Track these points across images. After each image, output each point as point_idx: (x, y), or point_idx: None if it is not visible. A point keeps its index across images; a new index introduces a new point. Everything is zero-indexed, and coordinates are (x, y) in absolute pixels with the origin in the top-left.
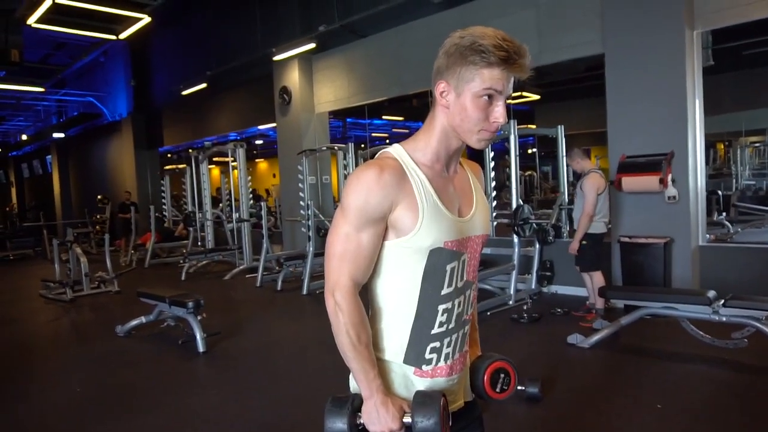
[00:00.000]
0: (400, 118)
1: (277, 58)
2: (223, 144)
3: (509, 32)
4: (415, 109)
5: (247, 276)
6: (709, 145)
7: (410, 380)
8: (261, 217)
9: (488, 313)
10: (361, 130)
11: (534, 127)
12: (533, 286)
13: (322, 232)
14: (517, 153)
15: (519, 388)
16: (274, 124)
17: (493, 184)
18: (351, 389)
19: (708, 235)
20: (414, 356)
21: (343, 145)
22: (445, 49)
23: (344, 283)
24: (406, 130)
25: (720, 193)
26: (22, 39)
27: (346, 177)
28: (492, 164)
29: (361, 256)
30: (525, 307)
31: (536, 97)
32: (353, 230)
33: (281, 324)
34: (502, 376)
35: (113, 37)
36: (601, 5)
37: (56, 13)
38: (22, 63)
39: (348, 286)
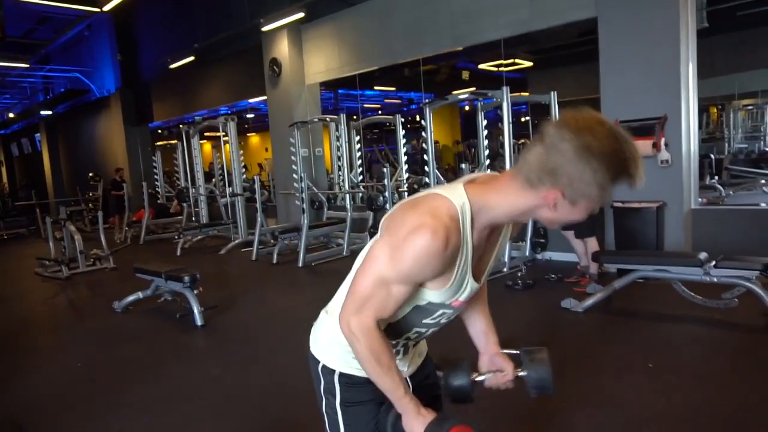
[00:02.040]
0: (392, 89)
1: (265, 28)
2: (213, 118)
3: None
4: (406, 79)
5: (242, 250)
6: (702, 109)
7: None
8: (254, 191)
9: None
10: (352, 101)
11: (527, 94)
12: (527, 253)
13: (316, 205)
14: (510, 121)
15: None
16: (264, 97)
17: (486, 152)
18: (317, 360)
19: (700, 199)
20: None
21: (336, 117)
22: (571, 150)
23: (365, 321)
24: (398, 101)
25: (713, 156)
26: (2, 13)
27: (338, 149)
28: (485, 133)
29: (390, 304)
30: (519, 274)
31: (529, 64)
32: (393, 282)
33: (278, 296)
34: None
35: (97, 9)
36: None
37: None
38: (4, 38)
39: (368, 324)
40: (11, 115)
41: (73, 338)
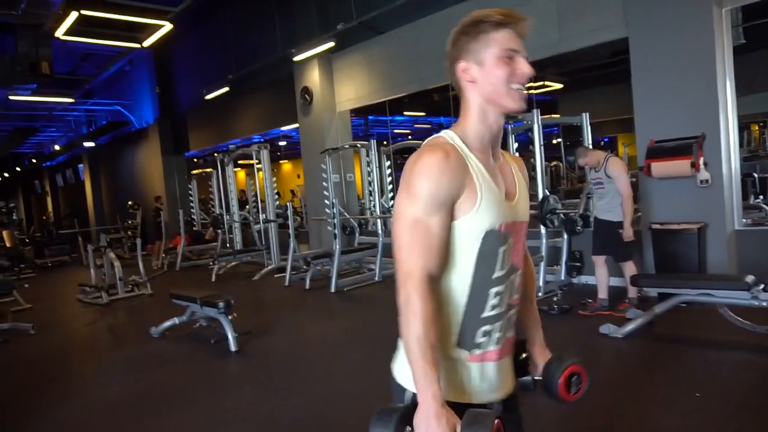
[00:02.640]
0: (422, 114)
1: (296, 58)
2: (247, 146)
3: (529, 20)
4: (435, 104)
5: (275, 276)
6: (743, 127)
7: (464, 365)
8: (287, 217)
9: None
10: (382, 127)
11: (558, 116)
12: (563, 277)
13: (348, 230)
14: (542, 143)
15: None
16: (296, 125)
17: None
18: (402, 388)
19: (744, 219)
20: (466, 340)
21: (366, 143)
22: (450, 41)
23: (417, 274)
24: (428, 126)
25: (756, 175)
26: (51, 51)
27: (369, 174)
28: (517, 155)
29: (433, 244)
30: (555, 299)
31: (559, 86)
32: (423, 216)
33: (311, 322)
34: (575, 377)
35: (137, 45)
36: None
37: (82, 24)
38: (52, 75)
39: (421, 277)
40: (57, 147)
41: (111, 363)
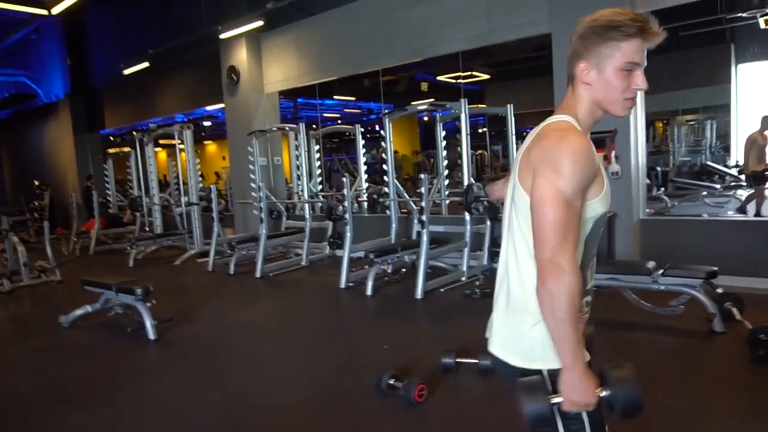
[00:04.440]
0: (352, 98)
1: (223, 36)
2: (169, 126)
3: (458, 11)
4: (366, 89)
5: (198, 260)
6: (649, 124)
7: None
8: (211, 200)
9: (442, 290)
10: (312, 110)
11: (484, 106)
12: (485, 263)
13: (274, 214)
14: (468, 132)
15: (474, 361)
16: (222, 105)
17: (445, 163)
18: (512, 368)
19: (648, 209)
20: (582, 311)
21: (295, 126)
22: (579, 33)
23: (569, 249)
24: (358, 110)
25: (659, 169)
26: None
27: (297, 158)
28: (444, 144)
29: (577, 224)
30: (477, 283)
31: (486, 76)
32: (572, 197)
33: (235, 308)
34: None
35: (45, 12)
36: None
37: None
38: None
39: (571, 254)
40: None
41: (15, 356)
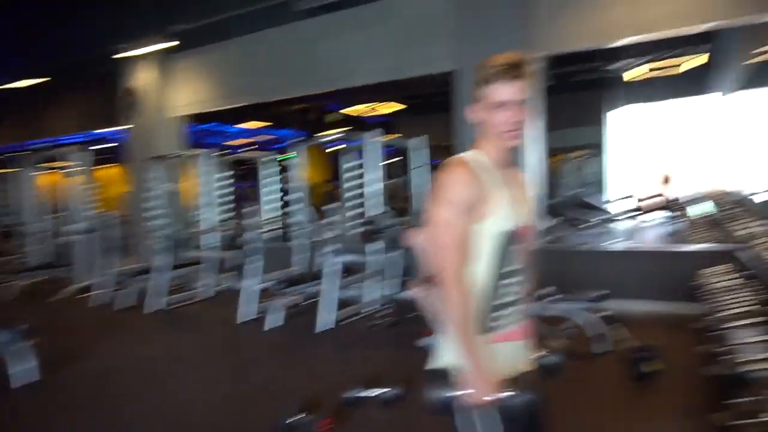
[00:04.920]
0: (263, 125)
1: (126, 54)
2: (58, 147)
3: (370, 45)
4: (279, 116)
5: (84, 295)
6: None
7: (490, 345)
8: (104, 228)
9: (349, 321)
10: (221, 137)
11: (395, 137)
12: (393, 292)
13: (175, 244)
14: (379, 162)
15: (381, 392)
16: (123, 127)
17: (356, 192)
18: (443, 363)
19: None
20: (484, 324)
21: (202, 152)
22: (473, 81)
23: (453, 270)
24: (271, 138)
25: (551, 200)
26: None
27: (204, 184)
28: (355, 173)
29: (463, 243)
30: (384, 314)
31: (398, 107)
32: (455, 220)
33: (127, 345)
34: None
35: None
36: (453, 25)
37: None
38: None
39: (455, 271)
40: None
41: None
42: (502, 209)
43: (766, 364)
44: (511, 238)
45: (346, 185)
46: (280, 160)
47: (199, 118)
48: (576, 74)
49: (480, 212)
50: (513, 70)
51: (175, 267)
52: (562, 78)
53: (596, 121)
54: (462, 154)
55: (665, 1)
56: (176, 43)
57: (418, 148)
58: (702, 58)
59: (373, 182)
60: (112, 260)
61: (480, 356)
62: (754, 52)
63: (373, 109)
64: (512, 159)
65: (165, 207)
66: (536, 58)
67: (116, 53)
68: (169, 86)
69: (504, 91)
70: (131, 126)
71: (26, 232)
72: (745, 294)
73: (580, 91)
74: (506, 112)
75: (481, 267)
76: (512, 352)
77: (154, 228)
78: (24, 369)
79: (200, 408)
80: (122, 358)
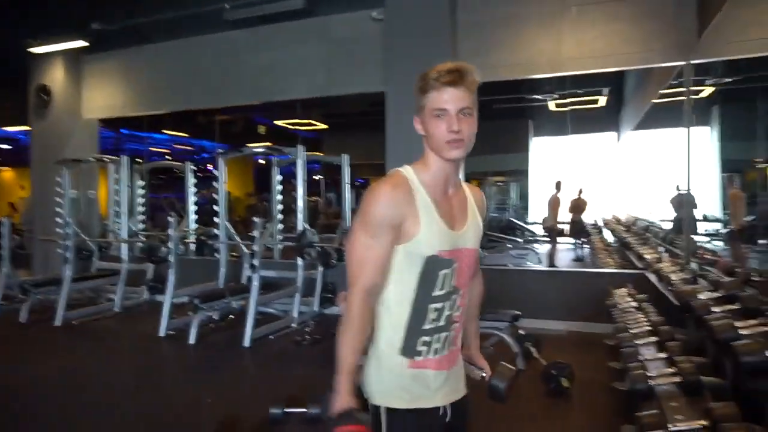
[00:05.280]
0: (184, 134)
1: (35, 50)
2: None
3: (301, 61)
4: (200, 126)
5: None
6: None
7: (404, 370)
8: (1, 235)
9: (272, 337)
10: (138, 143)
11: (321, 154)
12: (316, 308)
13: (84, 254)
14: (305, 178)
15: (304, 410)
16: (27, 127)
17: (280, 207)
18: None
19: None
20: (408, 348)
21: (116, 158)
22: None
23: (357, 287)
24: (190, 147)
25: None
26: None
27: (117, 193)
28: (280, 188)
29: (378, 262)
30: (307, 329)
31: (323, 126)
32: (370, 238)
33: (28, 363)
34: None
35: None
36: (382, 48)
37: None
38: None
39: (360, 290)
40: None
41: None
42: (428, 231)
43: (668, 378)
44: (438, 263)
45: (273, 199)
46: (202, 171)
47: (114, 123)
48: (502, 102)
49: (402, 233)
50: (451, 76)
51: (86, 278)
52: (487, 105)
53: (521, 149)
54: (396, 170)
55: (581, 42)
56: (88, 43)
57: (344, 166)
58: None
59: (299, 197)
60: (12, 270)
61: (350, 378)
62: (660, 92)
63: (307, 123)
64: (455, 175)
65: (73, 214)
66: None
67: (28, 47)
68: (83, 88)
69: (442, 97)
70: (36, 126)
71: None
72: (651, 313)
73: (506, 119)
74: (445, 120)
75: (404, 289)
76: (437, 379)
77: (61, 236)
78: None
79: (114, 427)
80: (32, 373)
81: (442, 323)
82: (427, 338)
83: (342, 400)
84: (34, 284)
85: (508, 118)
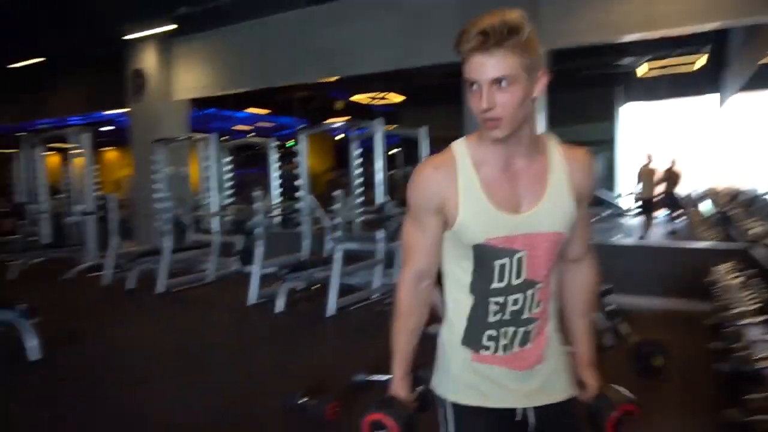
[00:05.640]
0: (265, 112)
1: (130, 37)
2: (63, 128)
3: (377, 32)
4: (280, 103)
5: (92, 275)
6: None
7: (468, 363)
8: (109, 209)
9: (354, 307)
10: (224, 122)
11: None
12: (395, 279)
13: (179, 227)
14: (383, 152)
15: (387, 378)
16: (126, 110)
17: (359, 181)
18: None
19: None
20: (471, 340)
21: (205, 136)
22: None
23: (406, 272)
24: (271, 124)
25: None
26: None
27: (206, 169)
28: (359, 162)
29: (422, 248)
30: (388, 301)
31: (401, 98)
32: (413, 223)
33: (133, 326)
34: (625, 416)
35: None
36: (459, 16)
37: None
38: None
39: (409, 275)
40: None
41: None
42: (469, 217)
43: None
44: (490, 252)
45: (352, 173)
46: (286, 147)
47: (201, 102)
48: (586, 69)
49: (447, 218)
50: (478, 39)
51: (182, 249)
52: (570, 73)
53: (607, 117)
54: (451, 144)
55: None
56: (177, 26)
57: (422, 139)
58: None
59: (378, 171)
60: (118, 241)
61: (401, 364)
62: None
63: (383, 97)
64: (522, 145)
65: (169, 190)
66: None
67: (122, 34)
68: (173, 70)
69: (471, 66)
70: (134, 108)
71: (34, 212)
72: (758, 291)
73: (590, 86)
74: (477, 94)
75: (462, 277)
76: (508, 378)
77: (160, 210)
78: (28, 347)
79: (208, 387)
80: (134, 337)
81: (507, 317)
82: (492, 332)
83: (392, 385)
84: (139, 254)
85: (593, 85)
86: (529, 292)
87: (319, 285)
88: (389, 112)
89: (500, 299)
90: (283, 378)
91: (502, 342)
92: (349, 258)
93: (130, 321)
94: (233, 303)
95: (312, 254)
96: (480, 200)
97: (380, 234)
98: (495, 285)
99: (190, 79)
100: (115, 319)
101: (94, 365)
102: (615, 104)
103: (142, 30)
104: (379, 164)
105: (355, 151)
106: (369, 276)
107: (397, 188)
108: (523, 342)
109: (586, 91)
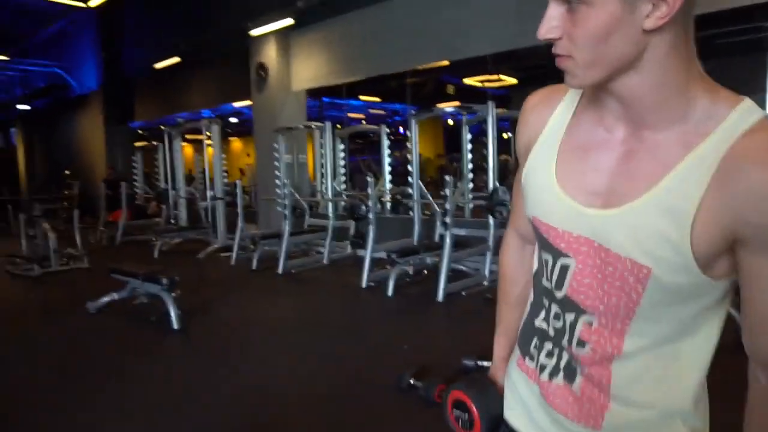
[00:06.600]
0: (377, 99)
1: (253, 33)
2: (196, 121)
3: (488, 13)
4: (392, 90)
5: (221, 255)
6: None
7: (514, 364)
8: (236, 195)
9: (463, 293)
10: (338, 110)
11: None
12: None
13: (298, 212)
14: (495, 136)
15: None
16: (249, 102)
17: (470, 166)
18: None
19: None
20: (523, 339)
21: (321, 124)
22: None
23: (509, 233)
24: (382, 112)
25: None
26: None
27: (322, 156)
28: (470, 147)
29: (518, 203)
30: None
31: (513, 81)
32: (519, 170)
33: (256, 303)
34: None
35: (82, 5)
36: None
37: None
38: None
39: (512, 236)
40: None
41: (43, 337)
42: (533, 180)
43: None
44: (539, 239)
45: (464, 158)
46: (395, 134)
47: (317, 92)
48: (729, 36)
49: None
50: None
51: (300, 233)
52: (708, 41)
53: (758, 89)
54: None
55: None
56: (293, 21)
57: None
58: None
59: (490, 156)
60: (244, 225)
61: (502, 339)
62: None
63: (498, 79)
64: (656, 116)
65: (289, 176)
66: None
67: (247, 31)
68: (291, 62)
69: None
70: (257, 100)
71: (174, 197)
72: None
73: (734, 55)
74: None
75: (534, 256)
76: (531, 398)
77: (280, 196)
78: (171, 317)
79: (323, 362)
80: (258, 313)
81: (551, 332)
82: (537, 341)
83: (492, 366)
84: (262, 237)
85: (736, 54)
86: (569, 318)
87: (428, 270)
88: (502, 95)
89: (547, 303)
90: (394, 357)
91: (541, 361)
92: (460, 243)
93: (254, 298)
94: (347, 285)
95: (422, 239)
96: (547, 165)
97: (491, 220)
98: (545, 282)
99: (307, 70)
100: (241, 295)
101: (222, 337)
102: (767, 74)
103: (263, 25)
104: (490, 149)
105: (466, 136)
106: (479, 262)
107: (509, 173)
108: (569, 377)
109: (729, 60)
